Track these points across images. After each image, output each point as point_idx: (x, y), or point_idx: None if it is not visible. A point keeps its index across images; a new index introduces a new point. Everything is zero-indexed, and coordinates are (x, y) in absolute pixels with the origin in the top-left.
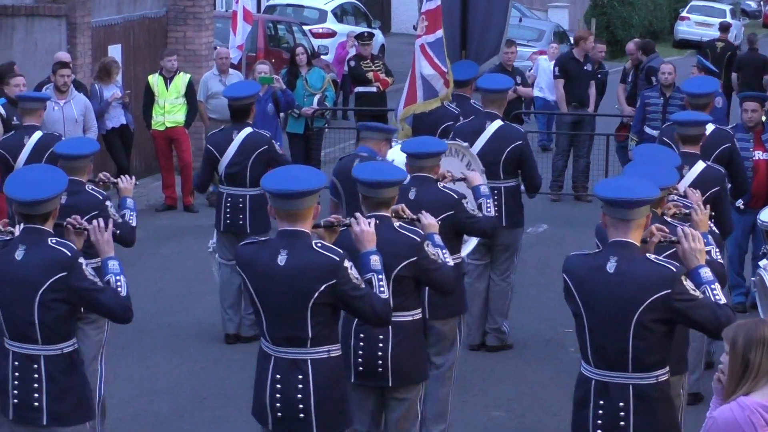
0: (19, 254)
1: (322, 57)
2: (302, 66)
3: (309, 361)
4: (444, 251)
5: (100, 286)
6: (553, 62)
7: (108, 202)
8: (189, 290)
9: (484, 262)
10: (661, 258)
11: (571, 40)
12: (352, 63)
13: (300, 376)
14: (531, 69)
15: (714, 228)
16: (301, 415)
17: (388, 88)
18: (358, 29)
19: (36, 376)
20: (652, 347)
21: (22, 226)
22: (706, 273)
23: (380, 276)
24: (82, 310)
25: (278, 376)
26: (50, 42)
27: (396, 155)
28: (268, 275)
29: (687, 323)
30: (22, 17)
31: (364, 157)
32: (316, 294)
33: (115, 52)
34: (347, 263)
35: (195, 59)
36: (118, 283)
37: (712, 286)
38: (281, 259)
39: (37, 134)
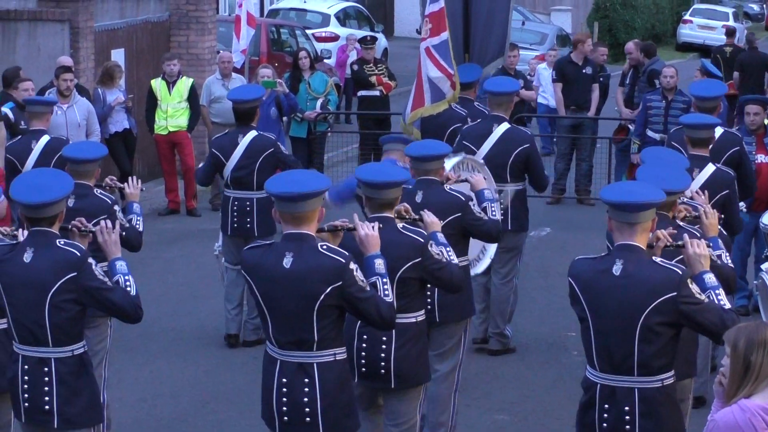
0: (27, 257)
1: (325, 61)
2: (305, 70)
3: (315, 364)
4: (448, 249)
5: (110, 285)
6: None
7: (116, 207)
8: (192, 294)
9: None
10: (666, 261)
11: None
12: (355, 67)
13: (306, 380)
14: (533, 80)
15: (723, 231)
16: (308, 419)
17: (391, 92)
18: (361, 33)
19: (47, 378)
20: (657, 351)
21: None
22: (711, 278)
23: (384, 279)
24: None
25: (284, 380)
26: (53, 46)
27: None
28: (273, 279)
29: (693, 327)
30: (25, 22)
31: None
32: (323, 296)
33: (118, 56)
34: (353, 265)
35: (198, 63)
36: (127, 283)
37: (717, 292)
38: (287, 262)
39: (45, 138)
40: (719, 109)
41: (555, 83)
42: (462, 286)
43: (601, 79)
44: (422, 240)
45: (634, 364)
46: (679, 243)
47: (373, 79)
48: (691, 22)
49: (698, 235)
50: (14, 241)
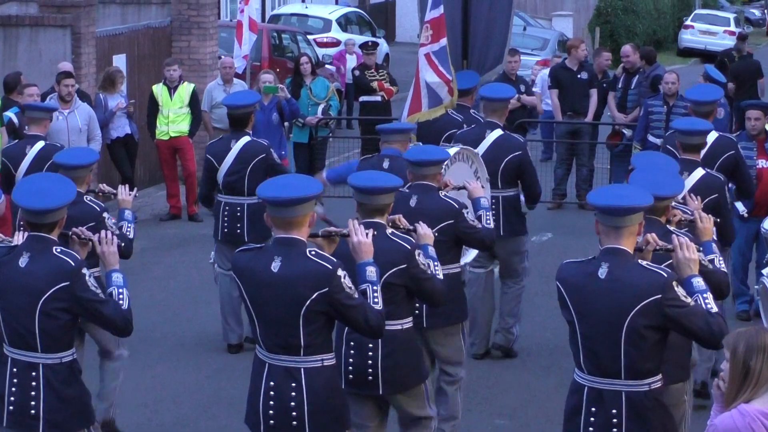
0: (23, 262)
1: (327, 66)
2: (307, 75)
3: (302, 369)
4: (435, 263)
5: (102, 297)
6: None
7: (106, 214)
8: (193, 299)
9: (486, 270)
10: (653, 264)
11: None
12: (357, 72)
13: (293, 384)
14: (536, 87)
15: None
16: (294, 423)
17: (392, 97)
18: (362, 38)
19: (34, 384)
20: (644, 354)
21: (24, 234)
22: (699, 282)
23: (375, 287)
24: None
25: (272, 383)
26: (55, 52)
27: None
28: (262, 282)
29: (678, 330)
30: (27, 27)
31: (393, 157)
32: (309, 301)
33: (119, 61)
34: (341, 272)
35: (199, 69)
36: (120, 296)
37: (705, 296)
38: (275, 266)
39: (39, 144)
40: (715, 113)
41: (551, 90)
42: (444, 302)
43: (605, 84)
44: (409, 247)
45: (621, 368)
46: (669, 247)
47: (375, 84)
48: (692, 27)
49: (689, 239)
50: (12, 244)
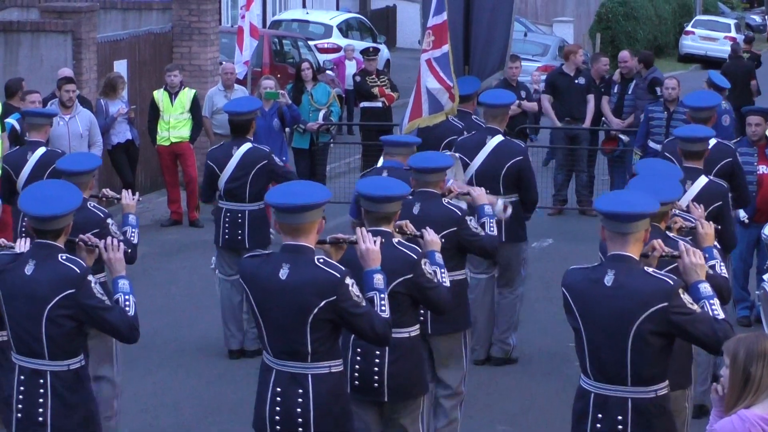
0: (28, 269)
1: (328, 72)
2: (308, 81)
3: (309, 376)
4: (442, 270)
5: (108, 304)
6: None
7: (109, 220)
8: (194, 305)
9: (488, 275)
10: (659, 271)
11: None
12: (358, 78)
13: (300, 390)
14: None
15: (716, 244)
16: (300, 429)
17: (393, 103)
18: (363, 44)
19: (41, 391)
20: (650, 361)
21: (26, 240)
22: (706, 288)
23: (382, 295)
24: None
25: (278, 389)
26: (56, 57)
27: None
28: (269, 289)
29: (685, 337)
30: (28, 33)
31: (392, 169)
32: (316, 309)
33: (120, 67)
34: (348, 280)
35: (200, 74)
36: (127, 303)
37: (711, 302)
38: (283, 273)
39: (41, 150)
40: (714, 119)
41: (543, 95)
42: (449, 310)
43: (603, 89)
44: (415, 256)
45: (627, 374)
46: (675, 253)
47: (376, 90)
48: (693, 33)
49: (689, 245)
50: (18, 252)
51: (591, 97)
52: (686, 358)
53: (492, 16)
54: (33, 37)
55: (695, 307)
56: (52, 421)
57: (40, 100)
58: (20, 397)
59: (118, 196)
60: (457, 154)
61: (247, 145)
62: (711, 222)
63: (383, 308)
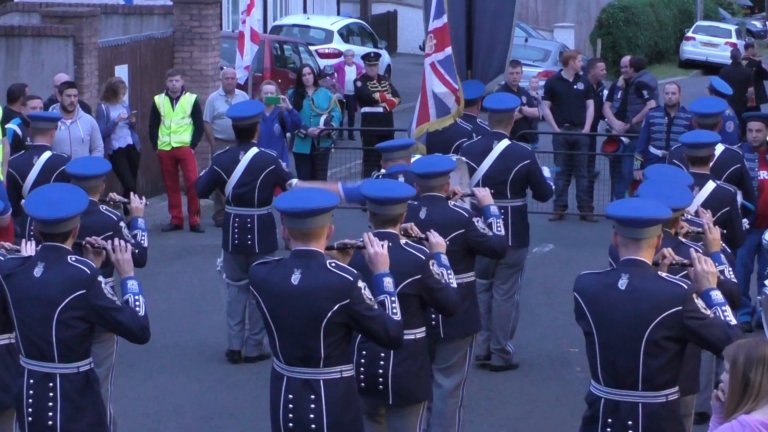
0: (38, 272)
1: (328, 77)
2: (309, 86)
3: (321, 381)
4: (449, 272)
5: (119, 305)
6: None
7: (122, 223)
8: (195, 310)
9: (488, 281)
10: (672, 276)
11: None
12: (359, 83)
13: (312, 396)
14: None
15: (726, 247)
16: None
17: (394, 109)
18: (364, 49)
19: (51, 394)
20: (662, 366)
21: (31, 243)
22: (717, 296)
23: (393, 298)
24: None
25: (291, 396)
26: (57, 62)
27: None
28: (281, 295)
29: (698, 342)
30: (29, 38)
31: (407, 173)
32: (330, 314)
33: (121, 72)
34: (361, 283)
35: (201, 79)
36: (137, 303)
37: (723, 308)
38: (295, 278)
39: (47, 154)
40: (720, 125)
41: (543, 101)
42: (457, 311)
43: (601, 94)
44: (423, 257)
45: (639, 379)
46: (685, 262)
47: (377, 95)
48: (694, 39)
49: (700, 251)
50: (26, 255)
51: (590, 103)
52: (695, 363)
53: (494, 20)
54: (34, 42)
55: (708, 312)
56: (62, 425)
57: (42, 105)
58: (30, 401)
59: (126, 200)
60: (463, 158)
61: (254, 150)
62: (718, 227)
63: (395, 311)
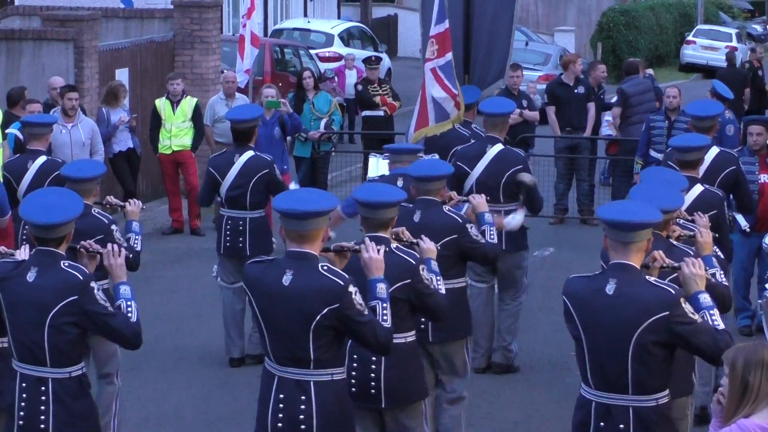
0: (31, 276)
1: (329, 80)
2: (309, 90)
3: (312, 383)
4: (438, 278)
5: (111, 311)
6: None
7: (114, 227)
8: (196, 313)
9: (488, 285)
10: (660, 281)
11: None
12: (360, 87)
13: (303, 397)
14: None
15: (718, 251)
16: None
17: (395, 112)
18: (365, 53)
19: (43, 398)
20: (651, 370)
21: (26, 247)
22: (705, 299)
23: (385, 304)
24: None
25: (281, 396)
26: (58, 66)
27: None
28: (272, 295)
29: (686, 347)
30: (30, 41)
31: (407, 177)
32: (319, 316)
33: (122, 75)
34: (352, 288)
35: (202, 83)
36: (129, 309)
37: (711, 312)
38: (286, 279)
39: (41, 159)
40: (716, 128)
41: (547, 106)
42: (446, 317)
43: (602, 97)
44: (414, 262)
45: (629, 383)
46: (676, 265)
47: (378, 99)
48: (694, 42)
49: (692, 254)
50: (20, 259)
51: (591, 106)
52: (688, 366)
53: (492, 25)
54: (35, 46)
55: (696, 317)
56: (55, 429)
57: (41, 109)
58: (22, 404)
59: (122, 203)
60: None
61: (249, 153)
62: (710, 231)
63: (385, 317)
